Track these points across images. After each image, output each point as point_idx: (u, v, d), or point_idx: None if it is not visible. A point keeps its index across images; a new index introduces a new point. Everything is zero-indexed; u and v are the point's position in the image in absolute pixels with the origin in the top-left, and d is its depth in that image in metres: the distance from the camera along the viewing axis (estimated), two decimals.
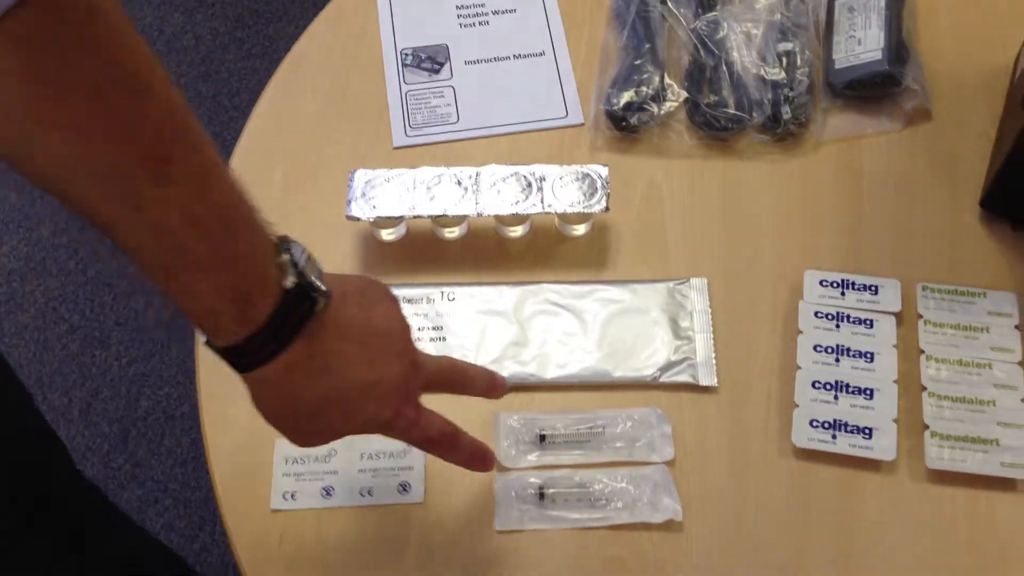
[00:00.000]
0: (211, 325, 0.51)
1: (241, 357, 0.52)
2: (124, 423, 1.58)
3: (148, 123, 0.43)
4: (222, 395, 0.76)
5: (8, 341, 1.66)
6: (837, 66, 0.87)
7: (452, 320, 0.78)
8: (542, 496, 0.72)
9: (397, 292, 0.76)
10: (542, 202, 0.78)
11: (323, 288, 0.52)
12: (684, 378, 0.76)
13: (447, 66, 0.90)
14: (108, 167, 0.43)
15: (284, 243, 0.52)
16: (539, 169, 0.80)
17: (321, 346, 0.53)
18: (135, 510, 1.51)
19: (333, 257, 0.81)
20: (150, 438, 1.57)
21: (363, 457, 0.73)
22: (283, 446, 0.74)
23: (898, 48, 0.86)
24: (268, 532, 0.71)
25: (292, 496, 0.72)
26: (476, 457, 0.66)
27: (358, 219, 0.78)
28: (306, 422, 0.57)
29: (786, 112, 0.84)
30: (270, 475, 0.73)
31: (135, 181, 0.44)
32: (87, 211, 0.45)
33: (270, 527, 0.71)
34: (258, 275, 0.50)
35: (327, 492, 0.72)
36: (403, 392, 0.59)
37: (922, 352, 0.76)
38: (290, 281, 0.51)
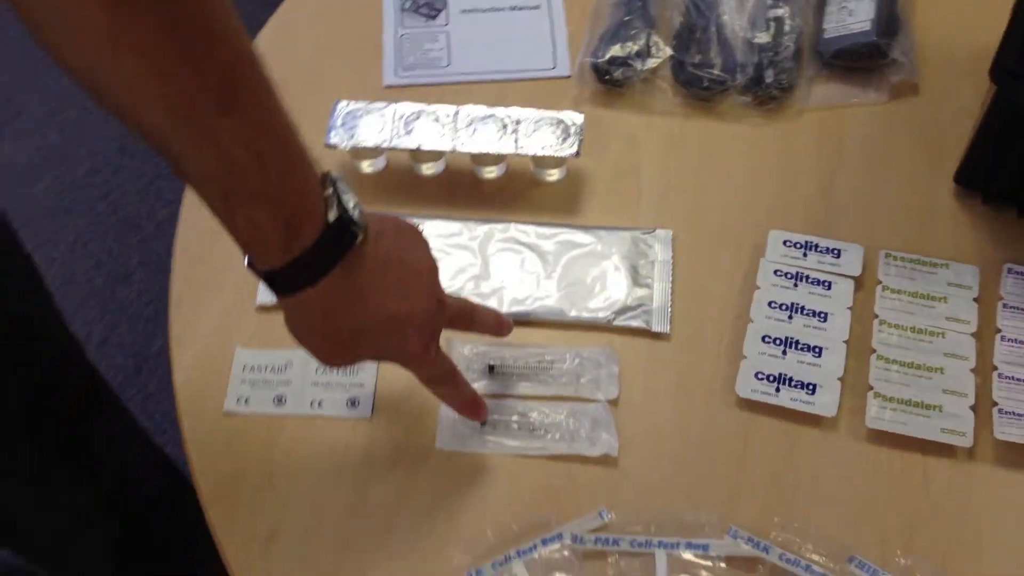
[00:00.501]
0: (257, 250, 0.54)
1: (281, 281, 0.56)
2: (138, 358, 1.63)
3: (218, 54, 0.46)
4: (191, 302, 0.79)
5: None
6: (826, 35, 0.88)
7: None
8: (483, 422, 0.73)
9: None
10: (516, 144, 0.80)
11: (363, 223, 0.56)
12: (637, 323, 0.77)
13: (444, 12, 0.93)
14: (179, 96, 0.46)
15: (330, 179, 0.55)
16: (516, 112, 0.82)
17: (357, 278, 0.57)
18: None
19: None
20: (160, 374, 1.61)
21: (317, 371, 0.76)
22: (243, 353, 0.77)
23: (889, 20, 0.86)
24: (219, 432, 0.74)
25: (246, 401, 0.75)
26: (474, 404, 0.71)
27: (335, 147, 0.80)
28: (338, 348, 0.61)
29: (769, 76, 0.85)
30: (227, 381, 0.76)
31: (204, 112, 0.47)
32: (158, 139, 0.48)
33: (221, 428, 0.74)
34: (306, 207, 0.54)
35: (279, 400, 0.75)
36: (429, 329, 0.63)
37: (876, 316, 0.76)
38: (333, 214, 0.54)
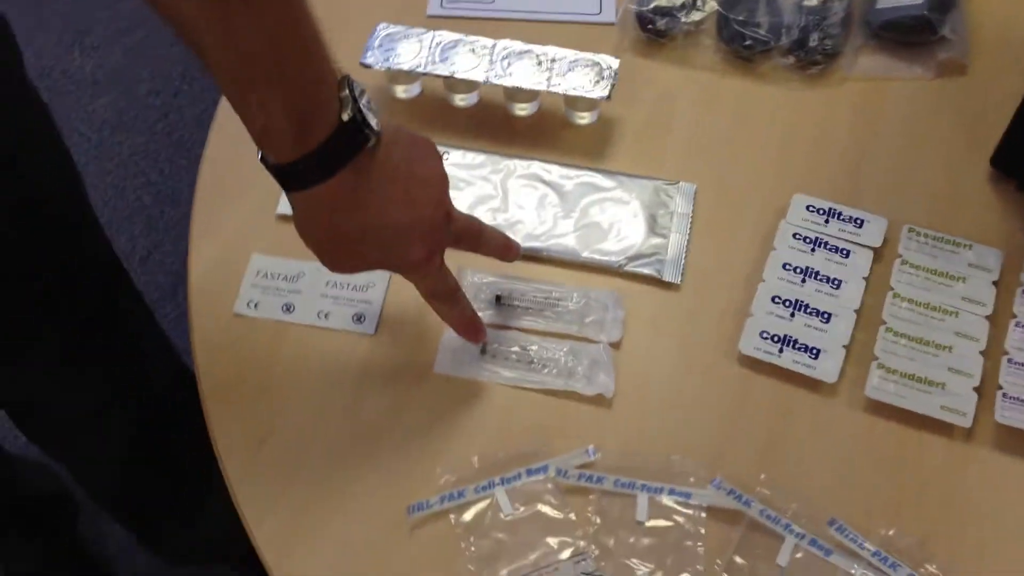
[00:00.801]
0: (270, 142, 0.56)
1: (291, 177, 0.57)
2: (176, 277, 1.66)
3: None
4: (214, 206, 0.81)
5: (89, 182, 1.75)
6: (878, 5, 0.86)
7: None
8: (483, 350, 0.74)
9: None
10: (548, 82, 0.80)
11: (376, 128, 0.57)
12: (649, 271, 0.77)
13: None
14: None
15: (348, 81, 0.56)
16: (553, 51, 0.82)
17: (366, 181, 0.58)
18: None
19: None
20: None
21: (327, 284, 0.77)
22: (259, 259, 0.78)
23: None
24: (226, 333, 0.76)
25: (255, 306, 0.76)
26: (473, 325, 0.71)
27: (370, 66, 0.81)
28: (342, 250, 0.62)
29: (814, 40, 0.84)
30: (239, 285, 0.77)
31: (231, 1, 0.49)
32: (185, 27, 0.50)
33: (229, 328, 0.76)
34: (321, 102, 0.55)
35: (288, 308, 0.76)
36: (434, 239, 0.64)
37: (891, 289, 0.75)
38: (347, 114, 0.55)
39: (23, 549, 1.33)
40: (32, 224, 0.78)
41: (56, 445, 1.05)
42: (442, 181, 0.64)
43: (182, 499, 1.13)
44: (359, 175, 0.57)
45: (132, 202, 1.74)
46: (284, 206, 0.80)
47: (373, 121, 0.57)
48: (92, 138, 1.80)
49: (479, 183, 0.80)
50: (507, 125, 0.85)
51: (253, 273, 0.78)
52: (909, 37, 0.85)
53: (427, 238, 0.62)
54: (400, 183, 0.60)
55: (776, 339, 0.73)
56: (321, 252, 0.62)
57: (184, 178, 1.76)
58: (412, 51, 0.82)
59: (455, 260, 0.75)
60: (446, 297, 0.68)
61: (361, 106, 0.56)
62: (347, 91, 0.56)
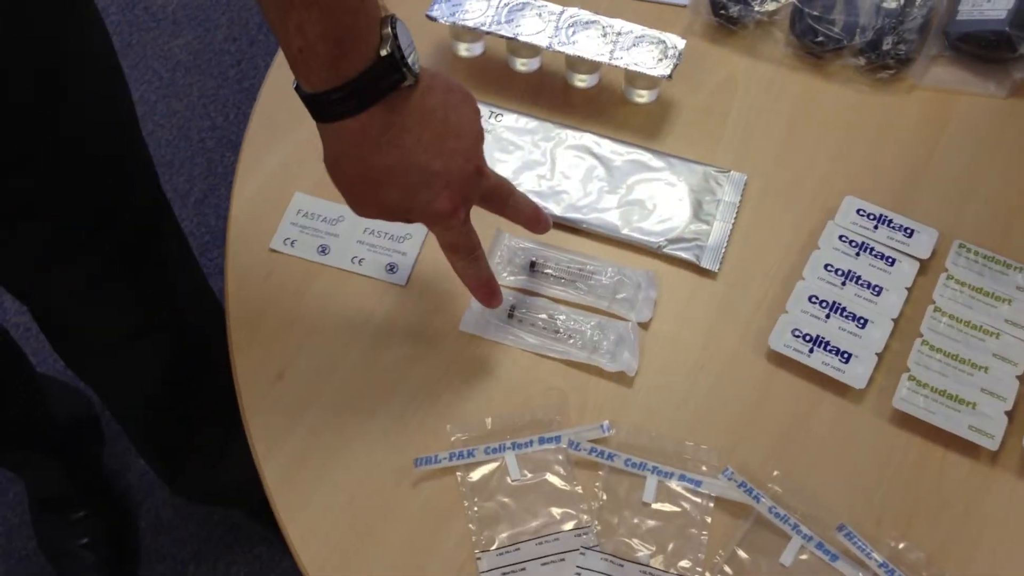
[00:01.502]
0: (306, 68, 0.55)
1: (324, 106, 0.57)
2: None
3: None
4: (264, 141, 0.81)
5: (156, 120, 1.78)
6: (958, 16, 0.84)
7: (491, 138, 0.80)
8: (511, 315, 0.74)
9: None
10: (611, 55, 0.79)
11: (415, 70, 0.57)
12: (688, 256, 0.76)
13: None
14: None
15: (393, 20, 0.56)
16: (620, 24, 0.81)
17: (398, 120, 0.58)
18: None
19: None
20: None
21: (365, 231, 0.77)
22: (301, 198, 0.79)
23: None
24: (260, 266, 0.76)
25: (291, 244, 0.77)
26: (490, 287, 0.69)
27: (435, 19, 0.81)
28: (367, 189, 0.61)
29: (888, 43, 0.82)
30: (279, 222, 0.78)
31: None
32: None
33: (263, 262, 0.76)
34: (359, 31, 0.55)
35: (323, 250, 0.77)
36: (462, 192, 0.62)
37: (933, 303, 0.73)
38: (386, 50, 0.55)
39: (48, 471, 1.35)
40: (78, 150, 0.78)
41: (89, 370, 1.07)
42: (477, 135, 0.63)
43: (206, 441, 1.14)
44: (392, 113, 0.57)
45: (195, 143, 1.76)
46: None
47: (413, 63, 0.56)
48: (165, 77, 1.83)
49: (528, 148, 0.80)
50: (565, 95, 0.84)
51: (294, 211, 0.78)
52: (987, 52, 0.83)
53: (454, 189, 0.61)
54: (433, 128, 0.59)
55: (808, 338, 0.72)
56: (346, 190, 0.62)
57: None
58: (479, 8, 0.81)
59: (494, 222, 0.75)
60: (466, 253, 0.67)
61: (402, 44, 0.55)
62: (389, 29, 0.55)
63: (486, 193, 0.65)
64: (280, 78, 0.85)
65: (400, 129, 0.57)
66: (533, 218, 0.71)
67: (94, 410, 1.44)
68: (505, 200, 0.68)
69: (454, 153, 0.61)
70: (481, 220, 0.74)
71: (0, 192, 0.76)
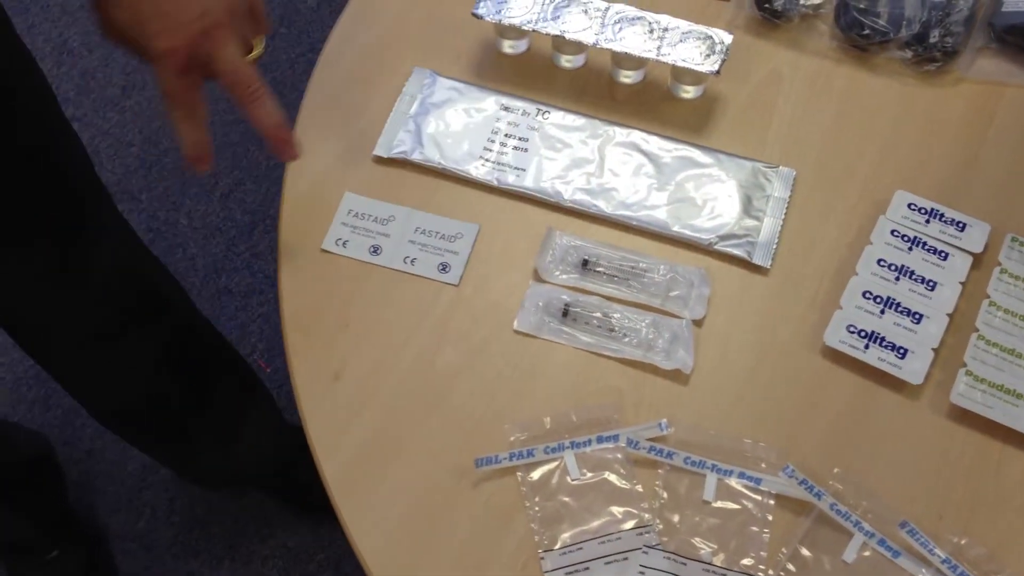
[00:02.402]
0: None
1: None
2: (255, 216, 1.68)
3: None
4: (312, 140, 0.81)
5: None
6: (1005, 8, 0.83)
7: (538, 136, 0.80)
8: (566, 313, 0.74)
9: (496, 97, 0.79)
10: (658, 51, 0.79)
11: None
12: (739, 252, 0.76)
13: None
14: None
15: None
16: (666, 20, 0.80)
17: None
18: (241, 294, 1.62)
19: (449, 55, 0.84)
20: (273, 236, 1.66)
21: (417, 231, 0.77)
22: (351, 198, 0.79)
23: None
24: (312, 267, 0.76)
25: (344, 244, 0.77)
26: (282, 130, 0.68)
27: (482, 17, 0.81)
28: (103, 5, 0.62)
29: (935, 36, 0.82)
30: (330, 222, 0.78)
31: None
32: None
33: (315, 263, 0.76)
34: None
35: (375, 250, 0.77)
36: (183, 38, 0.62)
37: (987, 297, 0.73)
38: None
39: (7, 516, 1.30)
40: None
41: (66, 367, 1.03)
42: (222, 2, 0.62)
43: (215, 423, 1.13)
44: None
45: (220, 138, 1.76)
46: (381, 147, 0.80)
47: None
48: None
49: (577, 146, 0.80)
50: (609, 91, 0.84)
51: (344, 212, 0.78)
52: None
53: (175, 33, 0.61)
54: None
55: (863, 334, 0.72)
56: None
57: None
58: (524, 6, 0.81)
59: (545, 220, 0.75)
60: (179, 107, 0.65)
61: None
62: None
63: (224, 71, 0.64)
64: (324, 79, 0.85)
65: None
66: (275, 132, 0.68)
67: (48, 446, 1.40)
68: (246, 95, 0.66)
69: (190, 2, 0.61)
70: (530, 218, 0.74)
71: None
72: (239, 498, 1.46)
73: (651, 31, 0.80)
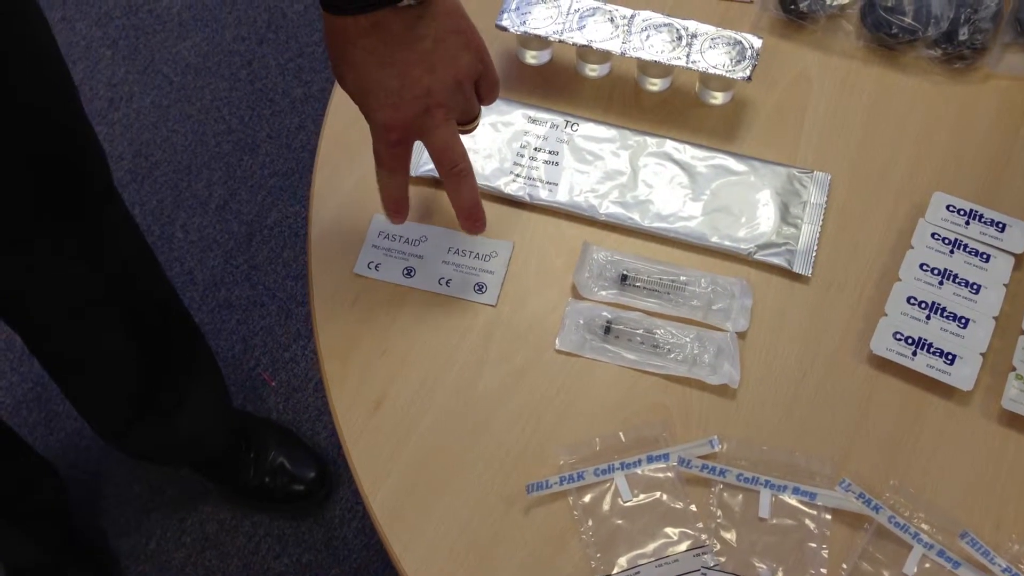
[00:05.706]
0: None
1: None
2: (252, 227, 1.66)
3: None
4: (337, 163, 0.79)
5: (170, 126, 1.75)
6: None
7: (568, 148, 0.79)
8: (608, 330, 0.72)
9: (523, 110, 0.78)
10: (687, 58, 0.78)
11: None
12: (779, 261, 0.75)
13: None
14: None
15: None
16: (694, 26, 0.79)
17: (383, 35, 0.61)
18: (242, 307, 1.59)
19: None
20: (271, 247, 1.64)
21: (450, 251, 0.76)
22: (380, 220, 0.77)
23: None
24: (345, 292, 0.74)
25: (376, 267, 0.75)
26: (476, 209, 0.70)
27: (505, 29, 0.79)
28: (337, 67, 0.64)
29: (963, 33, 0.81)
30: (360, 244, 0.76)
31: None
32: None
33: (348, 288, 0.75)
34: None
35: (408, 272, 0.75)
36: (406, 117, 0.64)
37: None
38: None
39: (17, 542, 1.30)
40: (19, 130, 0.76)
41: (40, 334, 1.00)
42: (455, 79, 0.64)
43: (164, 396, 1.12)
44: (378, 27, 0.60)
45: (212, 148, 1.73)
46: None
47: None
48: (175, 80, 1.80)
49: (608, 157, 0.78)
50: (636, 99, 0.82)
51: (375, 234, 0.76)
52: None
53: (400, 110, 0.63)
54: (412, 54, 0.62)
55: (910, 341, 0.71)
56: (360, 93, 0.64)
57: (264, 127, 1.75)
58: (549, 16, 0.79)
59: (581, 234, 0.74)
60: (388, 170, 0.68)
61: None
62: None
63: (436, 148, 0.66)
64: (345, 99, 0.83)
65: (379, 41, 0.60)
66: (470, 213, 0.70)
67: (52, 470, 1.35)
68: (449, 171, 0.68)
69: (416, 82, 0.62)
70: (564, 233, 0.73)
71: None
72: (250, 516, 1.44)
73: (679, 38, 0.79)
